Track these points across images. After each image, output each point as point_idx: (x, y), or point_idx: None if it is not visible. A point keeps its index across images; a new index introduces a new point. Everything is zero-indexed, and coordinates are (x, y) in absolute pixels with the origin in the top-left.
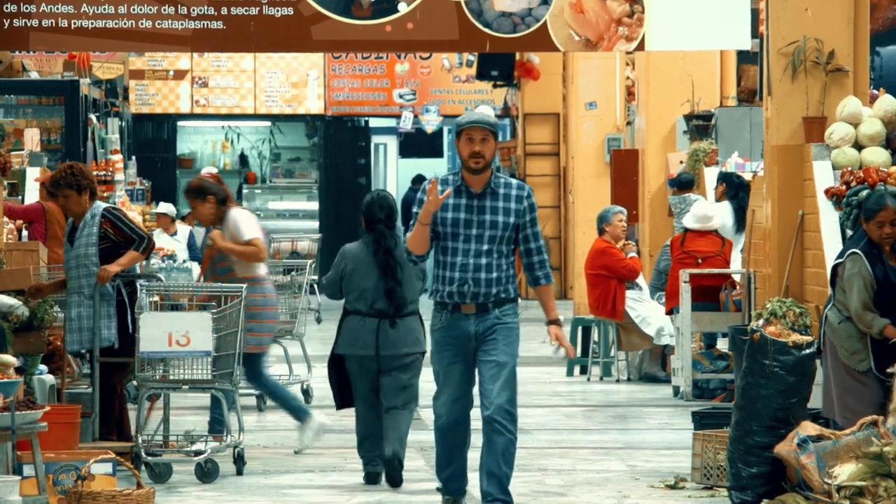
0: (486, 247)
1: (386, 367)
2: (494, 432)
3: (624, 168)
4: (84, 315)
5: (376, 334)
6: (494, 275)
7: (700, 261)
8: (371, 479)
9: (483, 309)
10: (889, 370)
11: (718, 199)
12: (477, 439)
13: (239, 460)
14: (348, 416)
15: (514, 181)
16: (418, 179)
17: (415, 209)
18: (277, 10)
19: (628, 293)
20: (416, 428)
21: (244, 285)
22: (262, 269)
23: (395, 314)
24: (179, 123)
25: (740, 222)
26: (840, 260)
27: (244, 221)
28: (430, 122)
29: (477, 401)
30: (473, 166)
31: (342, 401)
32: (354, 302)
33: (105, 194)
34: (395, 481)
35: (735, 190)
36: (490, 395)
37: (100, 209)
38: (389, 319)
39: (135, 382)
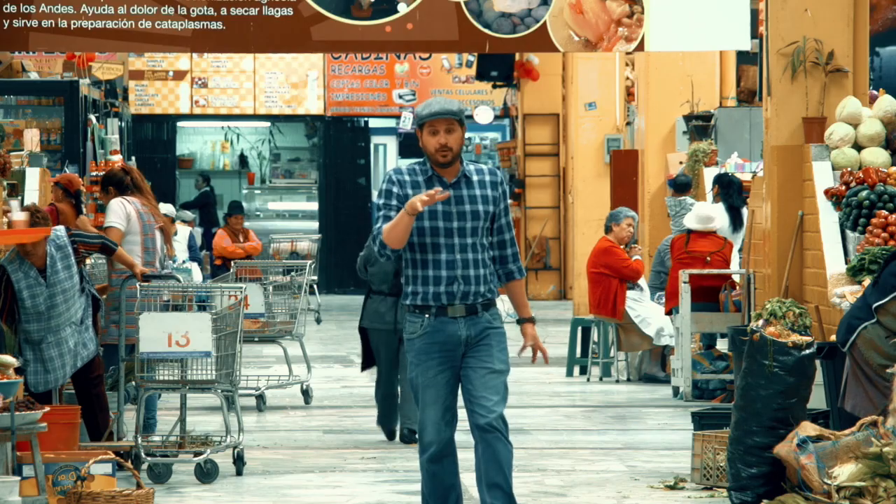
0: (469, 240)
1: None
2: (496, 440)
3: (624, 168)
4: (79, 341)
5: (395, 311)
6: (481, 271)
7: (709, 259)
8: (391, 435)
9: (472, 311)
10: (889, 370)
11: (715, 201)
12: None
13: (238, 461)
14: (347, 418)
15: (484, 167)
16: None
17: (382, 201)
18: (277, 11)
19: (629, 293)
20: None
21: (242, 285)
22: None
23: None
24: (179, 124)
25: (735, 222)
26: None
27: (109, 210)
28: None
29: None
30: (441, 160)
31: (366, 363)
32: (378, 283)
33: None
34: (411, 441)
35: (726, 189)
36: (487, 404)
37: (63, 239)
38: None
39: (134, 382)
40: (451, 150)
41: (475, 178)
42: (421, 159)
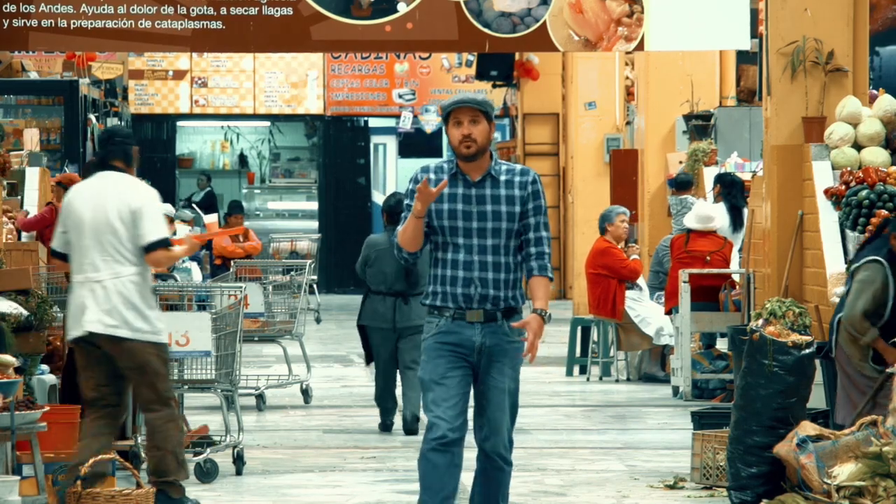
0: (490, 242)
1: (403, 334)
2: (496, 469)
3: (623, 168)
4: None
5: (393, 311)
6: (503, 275)
7: (708, 258)
8: (385, 427)
9: (491, 318)
10: (889, 370)
11: (716, 200)
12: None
13: (238, 460)
14: (347, 417)
15: (517, 166)
16: None
17: (406, 202)
18: (277, 10)
19: (628, 293)
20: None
21: (242, 285)
22: None
23: (409, 292)
24: (179, 123)
25: (736, 222)
26: (858, 264)
27: None
28: (430, 123)
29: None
30: (465, 151)
31: (369, 358)
32: (376, 284)
33: None
34: (412, 432)
35: (728, 188)
36: (497, 426)
37: None
38: (403, 297)
39: None
40: (476, 141)
41: (503, 177)
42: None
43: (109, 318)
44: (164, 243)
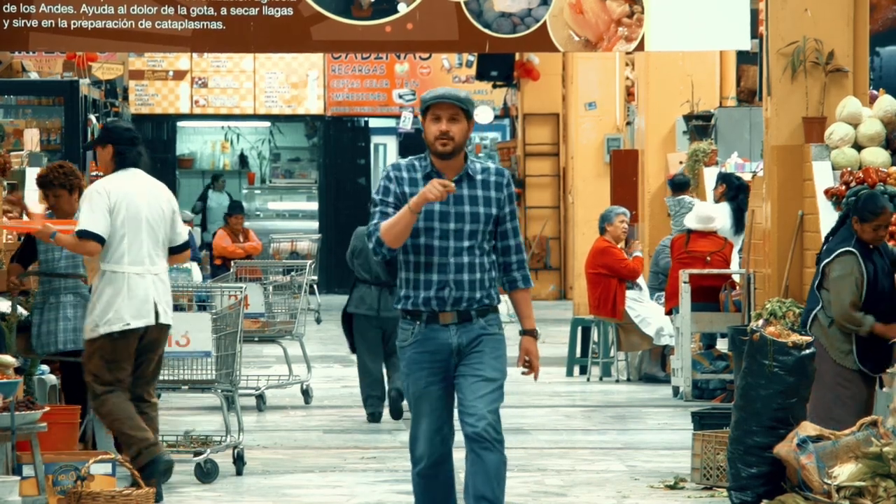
0: (466, 243)
1: (389, 326)
2: (485, 449)
3: (624, 168)
4: (80, 315)
5: (378, 299)
6: (477, 276)
7: (709, 259)
8: (374, 418)
9: (465, 318)
10: (890, 371)
11: (717, 200)
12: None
13: (239, 460)
14: (347, 418)
15: (491, 166)
16: None
17: (379, 197)
18: (277, 11)
19: (628, 293)
20: None
21: (242, 285)
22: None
23: (394, 283)
24: (179, 124)
25: (739, 224)
26: (829, 259)
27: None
28: None
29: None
30: (441, 149)
31: (353, 346)
32: (363, 273)
33: None
34: (398, 413)
35: (735, 192)
36: (476, 412)
37: None
38: (389, 287)
39: None
40: (453, 139)
41: (479, 177)
42: (422, 154)
43: (169, 308)
44: (189, 244)
